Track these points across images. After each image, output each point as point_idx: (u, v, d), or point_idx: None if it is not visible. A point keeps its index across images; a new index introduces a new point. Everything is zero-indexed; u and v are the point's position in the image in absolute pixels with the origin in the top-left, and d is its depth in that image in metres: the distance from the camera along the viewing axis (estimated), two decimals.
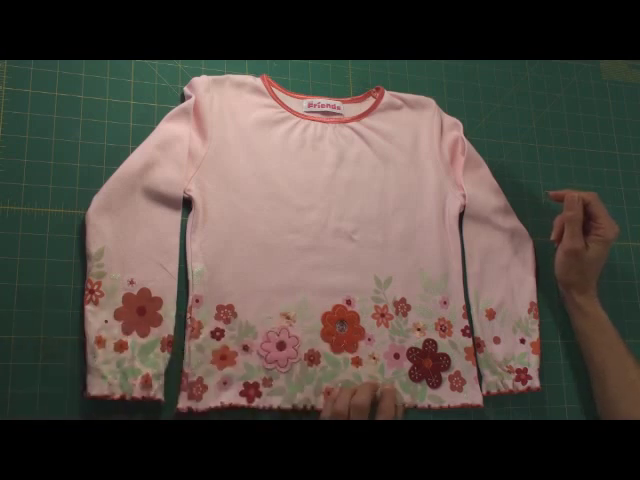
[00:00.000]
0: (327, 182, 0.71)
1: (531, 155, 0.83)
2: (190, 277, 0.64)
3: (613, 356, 0.70)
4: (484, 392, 0.69)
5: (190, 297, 0.64)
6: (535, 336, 0.73)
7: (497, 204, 0.76)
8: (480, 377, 0.70)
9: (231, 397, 0.62)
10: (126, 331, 0.60)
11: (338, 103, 0.75)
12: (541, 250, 0.78)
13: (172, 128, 0.67)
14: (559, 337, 0.76)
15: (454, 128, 0.78)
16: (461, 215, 0.75)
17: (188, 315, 0.63)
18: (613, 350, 0.71)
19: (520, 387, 0.70)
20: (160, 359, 0.61)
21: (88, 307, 0.59)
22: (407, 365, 0.68)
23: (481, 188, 0.76)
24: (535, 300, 0.74)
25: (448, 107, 0.80)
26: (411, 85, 0.80)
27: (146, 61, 0.71)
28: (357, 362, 0.67)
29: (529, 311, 0.73)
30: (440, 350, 0.69)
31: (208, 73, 0.72)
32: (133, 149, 0.66)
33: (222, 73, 0.73)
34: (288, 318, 0.66)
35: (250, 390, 0.63)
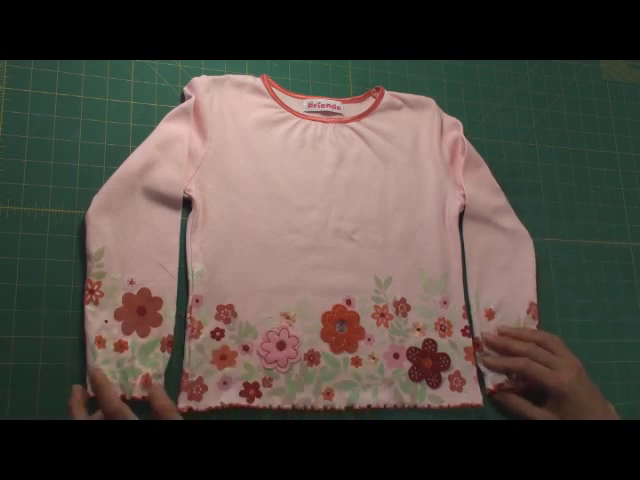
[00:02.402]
0: (327, 182, 0.71)
1: (531, 155, 0.83)
2: (190, 277, 0.64)
3: None
4: (491, 386, 0.69)
5: (190, 297, 0.64)
6: None
7: (497, 204, 0.76)
8: (480, 377, 0.70)
9: (231, 397, 0.62)
10: (126, 331, 0.60)
11: (338, 103, 0.75)
12: (541, 250, 0.78)
13: (172, 128, 0.67)
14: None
15: (454, 128, 0.78)
16: (461, 215, 0.75)
17: (188, 315, 0.63)
18: None
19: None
20: (160, 359, 0.61)
21: (88, 307, 0.60)
22: (407, 365, 0.68)
23: (481, 188, 0.76)
24: (535, 300, 0.74)
25: (448, 107, 0.80)
26: (411, 85, 0.80)
27: (146, 61, 0.71)
28: (357, 362, 0.67)
29: (528, 311, 0.73)
30: (440, 350, 0.69)
31: (208, 73, 0.72)
32: (133, 149, 0.66)
33: (222, 73, 0.73)
34: (288, 318, 0.66)
35: (250, 390, 0.63)
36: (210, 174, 0.67)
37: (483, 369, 0.70)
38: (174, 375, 0.61)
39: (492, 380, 0.70)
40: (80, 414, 0.55)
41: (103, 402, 0.55)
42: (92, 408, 0.58)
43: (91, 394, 0.57)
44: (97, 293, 0.60)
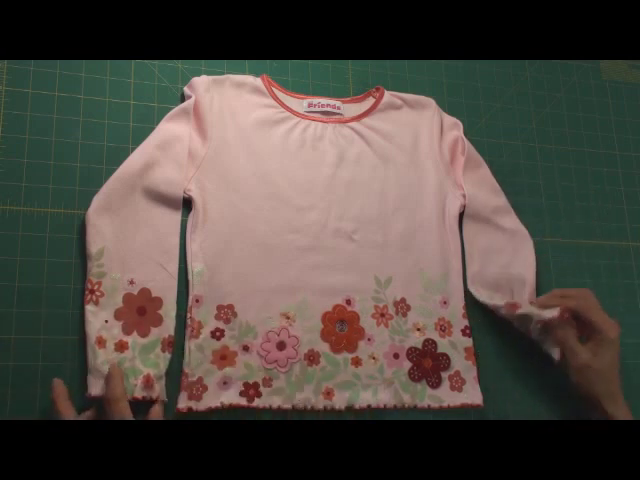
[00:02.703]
0: (327, 182, 0.71)
1: (531, 155, 0.83)
2: (190, 277, 0.64)
3: None
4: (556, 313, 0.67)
5: (190, 297, 0.64)
6: None
7: (497, 204, 0.76)
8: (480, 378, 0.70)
9: (231, 397, 0.62)
10: (126, 331, 0.60)
11: (338, 103, 0.75)
12: (541, 250, 0.78)
13: (172, 128, 0.67)
14: None
15: (454, 128, 0.78)
16: (461, 215, 0.75)
17: (188, 315, 0.63)
18: None
19: None
20: (161, 360, 0.61)
21: (88, 307, 0.59)
22: (407, 365, 0.68)
23: (481, 188, 0.76)
24: (534, 300, 0.74)
25: (448, 107, 0.80)
26: (411, 85, 0.80)
27: (146, 61, 0.71)
28: (357, 362, 0.67)
29: None
30: (440, 350, 0.69)
31: (208, 73, 0.72)
32: (133, 149, 0.66)
33: (222, 73, 0.73)
34: (288, 318, 0.66)
35: (250, 390, 0.63)
36: (210, 174, 0.67)
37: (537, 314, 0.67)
38: (174, 375, 0.61)
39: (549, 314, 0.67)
40: (66, 407, 0.55)
41: (113, 398, 0.55)
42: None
43: (92, 394, 0.57)
44: (97, 293, 0.60)
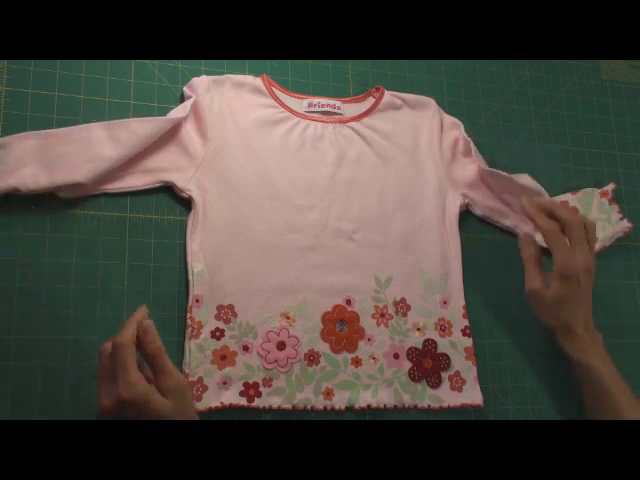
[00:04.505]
0: (327, 182, 0.71)
1: (531, 155, 0.83)
2: (190, 277, 0.64)
3: (606, 412, 0.65)
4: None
5: (190, 297, 0.64)
6: None
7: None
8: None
9: (231, 397, 0.62)
10: None
11: (338, 103, 0.75)
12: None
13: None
14: None
15: (454, 128, 0.78)
16: (461, 215, 0.75)
17: (188, 315, 0.63)
18: (606, 408, 0.64)
19: None
20: None
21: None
22: (407, 365, 0.68)
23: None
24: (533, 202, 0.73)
25: (448, 107, 0.80)
26: (411, 85, 0.80)
27: (146, 61, 0.71)
28: (357, 362, 0.67)
29: None
30: (440, 350, 0.69)
31: (208, 73, 0.72)
32: None
33: (222, 73, 0.73)
34: (288, 318, 0.66)
35: (250, 390, 0.63)
36: (210, 174, 0.67)
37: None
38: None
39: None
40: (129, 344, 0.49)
41: (119, 343, 0.49)
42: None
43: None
44: None
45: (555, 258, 0.65)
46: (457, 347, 0.70)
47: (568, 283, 0.65)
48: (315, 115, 0.74)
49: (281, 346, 0.65)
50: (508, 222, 0.77)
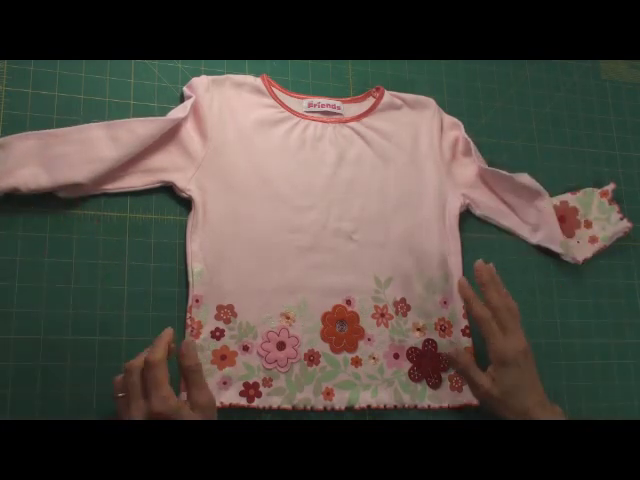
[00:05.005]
0: (327, 182, 0.71)
1: (531, 155, 0.83)
2: (190, 277, 0.64)
3: None
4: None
5: (190, 297, 0.64)
6: None
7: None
8: None
9: (231, 397, 0.62)
10: None
11: (338, 103, 0.75)
12: (541, 250, 0.78)
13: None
14: (560, 337, 0.76)
15: (454, 128, 0.78)
16: (461, 215, 0.75)
17: (188, 315, 0.63)
18: None
19: None
20: None
21: None
22: (407, 365, 0.68)
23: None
24: None
25: (448, 107, 0.80)
26: (411, 85, 0.80)
27: (146, 61, 0.70)
28: (357, 362, 0.67)
29: None
30: (440, 350, 0.69)
31: (208, 73, 0.72)
32: None
33: (222, 73, 0.73)
34: (288, 318, 0.66)
35: (250, 390, 0.63)
36: (210, 174, 0.67)
37: None
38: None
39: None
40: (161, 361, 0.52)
41: (151, 361, 0.51)
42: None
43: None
44: None
45: (490, 348, 0.65)
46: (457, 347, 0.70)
47: (509, 370, 0.64)
48: (315, 115, 0.74)
49: (281, 346, 0.65)
50: (508, 222, 0.77)
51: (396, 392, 0.67)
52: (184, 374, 0.54)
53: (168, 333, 0.55)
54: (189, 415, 0.52)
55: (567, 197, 0.80)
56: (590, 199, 0.80)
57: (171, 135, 0.67)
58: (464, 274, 0.73)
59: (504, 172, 0.74)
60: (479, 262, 0.68)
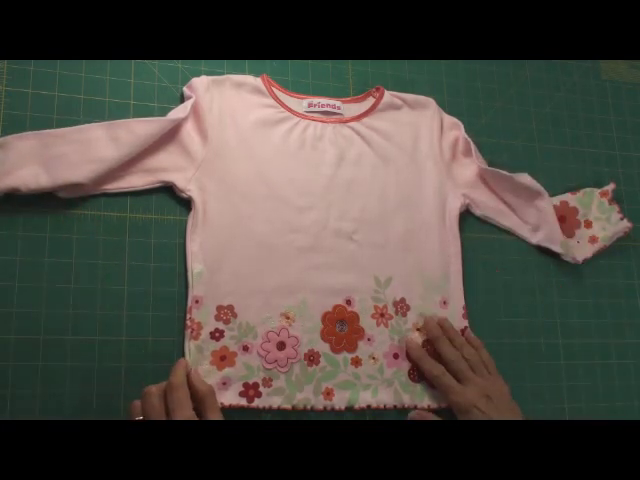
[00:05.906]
0: (327, 182, 0.71)
1: (531, 155, 0.83)
2: (190, 278, 0.64)
3: None
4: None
5: (190, 298, 0.64)
6: None
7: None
8: None
9: (231, 397, 0.62)
10: None
11: (338, 103, 0.75)
12: (541, 250, 0.78)
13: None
14: (560, 337, 0.76)
15: (454, 128, 0.78)
16: (461, 215, 0.75)
17: (188, 316, 0.63)
18: None
19: None
20: None
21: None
22: (406, 365, 0.68)
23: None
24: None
25: (448, 107, 0.80)
26: (411, 85, 0.80)
27: (146, 61, 0.70)
28: (356, 362, 0.67)
29: None
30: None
31: (208, 73, 0.72)
32: None
33: (222, 73, 0.73)
34: (288, 318, 0.66)
35: (250, 390, 0.63)
36: (210, 174, 0.67)
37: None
38: None
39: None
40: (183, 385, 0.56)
41: (173, 385, 0.56)
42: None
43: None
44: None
45: (449, 400, 0.65)
46: None
47: (472, 417, 0.63)
48: (315, 115, 0.74)
49: (281, 346, 0.65)
50: (508, 222, 0.77)
51: (396, 392, 0.67)
52: (198, 397, 0.57)
53: (183, 362, 0.60)
54: None
55: (567, 197, 0.80)
56: (590, 199, 0.80)
57: (171, 135, 0.67)
58: (464, 274, 0.73)
59: (504, 172, 0.75)
60: (427, 318, 0.69)
